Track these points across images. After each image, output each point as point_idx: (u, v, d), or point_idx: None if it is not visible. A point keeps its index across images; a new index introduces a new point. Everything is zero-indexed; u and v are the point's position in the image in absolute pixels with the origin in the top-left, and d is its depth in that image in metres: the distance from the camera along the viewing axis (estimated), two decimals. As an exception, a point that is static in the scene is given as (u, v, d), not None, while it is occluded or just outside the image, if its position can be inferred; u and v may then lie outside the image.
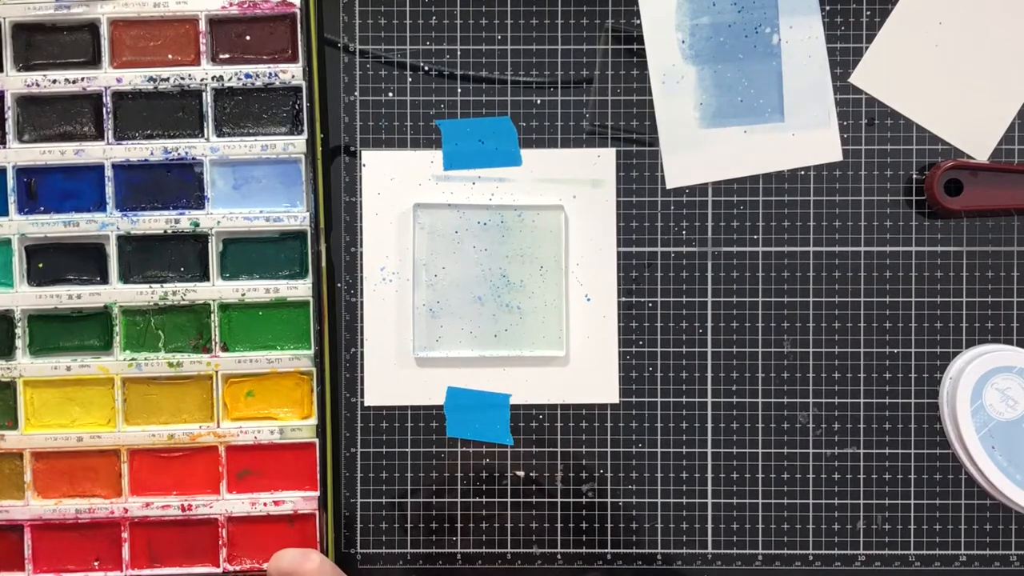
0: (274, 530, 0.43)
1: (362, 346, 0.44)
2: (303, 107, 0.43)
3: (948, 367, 0.43)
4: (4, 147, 0.43)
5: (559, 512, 0.44)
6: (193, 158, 0.43)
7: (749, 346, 0.44)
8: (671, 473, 0.44)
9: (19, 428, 0.43)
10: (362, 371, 0.44)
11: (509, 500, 0.44)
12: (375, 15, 0.44)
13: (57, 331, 0.43)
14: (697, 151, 0.44)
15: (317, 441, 0.43)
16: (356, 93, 0.44)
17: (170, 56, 0.43)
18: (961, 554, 0.43)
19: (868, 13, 0.44)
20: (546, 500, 0.44)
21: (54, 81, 0.42)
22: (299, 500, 0.43)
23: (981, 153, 0.44)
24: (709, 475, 0.44)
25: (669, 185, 0.44)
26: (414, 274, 0.43)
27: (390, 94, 0.44)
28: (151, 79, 0.42)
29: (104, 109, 0.43)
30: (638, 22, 0.44)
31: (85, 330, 0.43)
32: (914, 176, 0.44)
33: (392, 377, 0.44)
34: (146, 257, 0.43)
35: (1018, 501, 0.42)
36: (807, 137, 0.44)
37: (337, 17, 0.44)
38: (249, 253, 0.43)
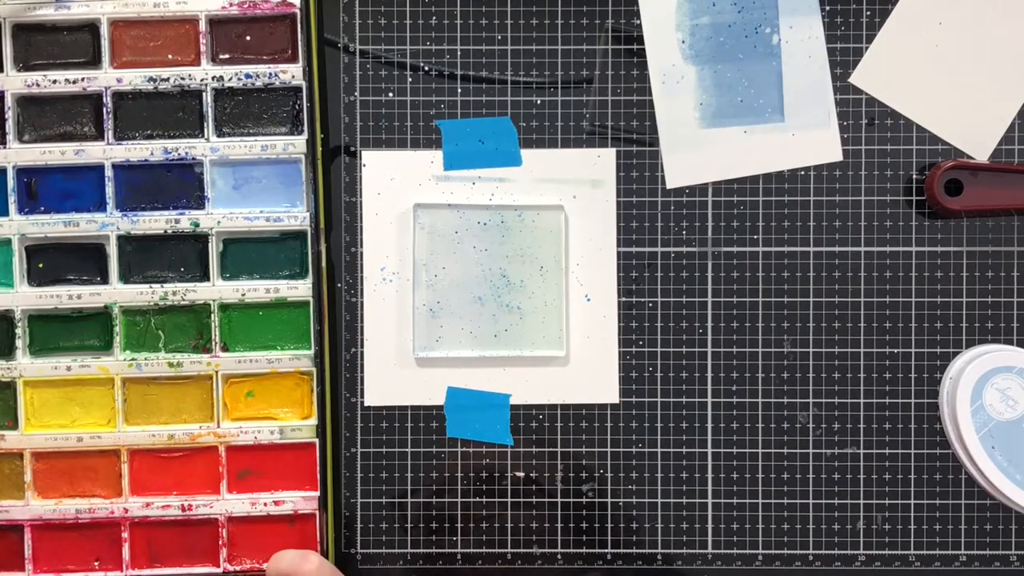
0: (274, 530, 0.43)
1: (362, 346, 0.44)
2: (303, 107, 0.43)
3: (948, 367, 0.43)
4: (4, 147, 0.43)
5: (559, 512, 0.44)
6: (193, 158, 0.43)
7: (749, 346, 0.44)
8: (671, 473, 0.44)
9: (19, 428, 0.43)
10: (362, 371, 0.44)
11: (509, 500, 0.44)
12: (375, 15, 0.44)
13: (57, 331, 0.43)
14: (697, 151, 0.44)
15: (317, 441, 0.43)
16: (356, 93, 0.44)
17: (170, 56, 0.43)
18: (961, 554, 0.43)
19: (868, 13, 0.44)
20: (546, 500, 0.44)
21: (54, 81, 0.42)
22: (299, 500, 0.43)
23: (981, 153, 0.44)
24: (709, 475, 0.44)
25: (669, 185, 0.44)
26: (414, 274, 0.43)
27: (390, 94, 0.44)
28: (151, 79, 0.42)
29: (104, 109, 0.43)
30: (638, 22, 0.44)
31: (85, 330, 0.43)
32: (914, 176, 0.44)
33: (392, 377, 0.44)
34: (146, 257, 0.43)
35: (1018, 501, 0.42)
36: (807, 137, 0.44)
37: (337, 17, 0.44)
38: (249, 253, 0.43)
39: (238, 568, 0.43)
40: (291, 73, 0.42)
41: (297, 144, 0.42)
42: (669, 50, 0.44)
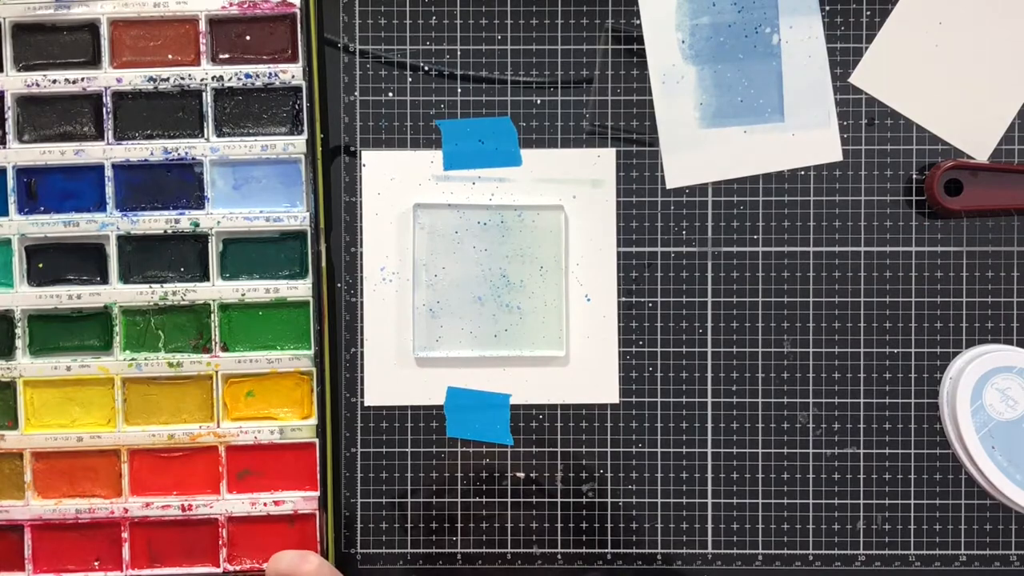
0: (274, 530, 0.43)
1: (362, 346, 0.44)
2: (303, 107, 0.43)
3: (948, 367, 0.43)
4: (4, 147, 0.43)
5: (559, 512, 0.44)
6: (193, 158, 0.43)
7: (749, 346, 0.44)
8: (671, 473, 0.44)
9: (19, 428, 0.43)
10: (362, 371, 0.44)
11: (509, 500, 0.44)
12: (375, 15, 0.44)
13: (57, 331, 0.43)
14: (697, 151, 0.44)
15: (317, 441, 0.43)
16: (356, 93, 0.44)
17: (170, 56, 0.43)
18: (961, 554, 0.43)
19: (868, 13, 0.44)
20: (546, 500, 0.44)
21: (54, 81, 0.42)
22: (299, 500, 0.43)
23: (981, 153, 0.44)
24: (709, 475, 0.44)
25: (669, 185, 0.44)
26: (414, 274, 0.43)
27: (390, 94, 0.44)
28: (151, 79, 0.42)
29: (104, 109, 0.43)
30: (638, 22, 0.44)
31: (85, 330, 0.43)
32: (914, 176, 0.44)
33: (392, 377, 0.44)
34: (146, 257, 0.43)
35: (1018, 501, 0.42)
36: (807, 137, 0.44)
37: (337, 17, 0.44)
38: (249, 253, 0.43)
39: (238, 568, 0.43)
40: (291, 73, 0.42)
41: (297, 144, 0.42)
42: (669, 50, 0.44)
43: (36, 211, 0.43)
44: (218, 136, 0.43)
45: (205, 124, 0.43)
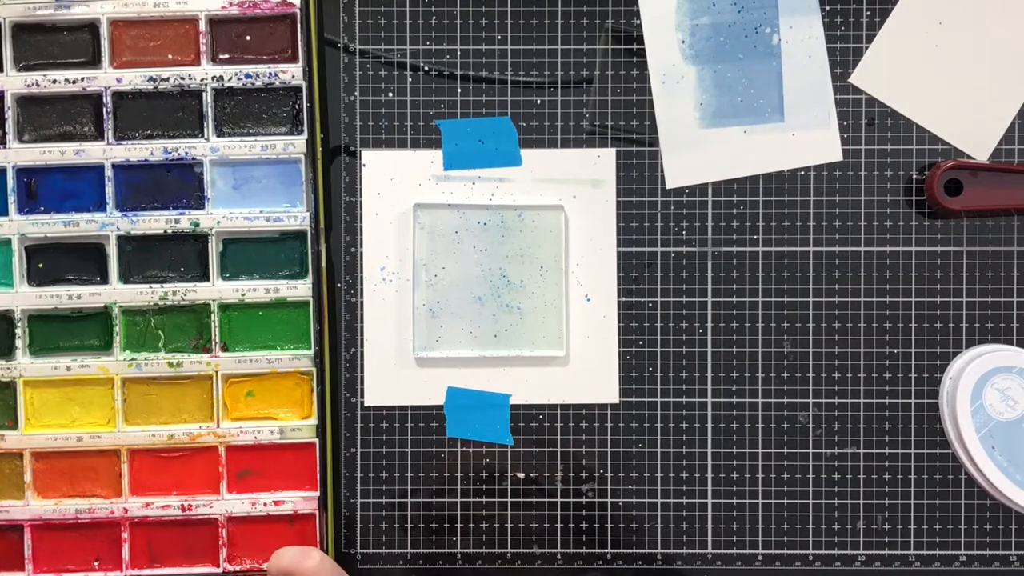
0: (274, 530, 0.43)
1: (362, 346, 0.44)
2: (303, 107, 0.43)
3: (948, 367, 0.43)
4: (4, 147, 0.43)
5: (559, 512, 0.44)
6: (193, 158, 0.43)
7: (749, 346, 0.44)
8: (671, 473, 0.44)
9: (19, 428, 0.43)
10: (362, 371, 0.44)
11: (509, 500, 0.44)
12: (375, 15, 0.44)
13: (57, 331, 0.43)
14: (697, 151, 0.44)
15: (317, 441, 0.43)
16: (356, 93, 0.44)
17: (170, 56, 0.43)
18: (961, 554, 0.43)
19: (868, 13, 0.44)
20: (546, 500, 0.44)
21: (54, 81, 0.42)
22: (299, 500, 0.43)
23: (981, 153, 0.44)
24: (709, 475, 0.44)
25: (669, 185, 0.44)
26: (414, 274, 0.43)
27: (390, 94, 0.44)
28: (151, 79, 0.42)
29: (104, 109, 0.43)
30: (638, 22, 0.44)
31: (85, 330, 0.43)
32: (914, 176, 0.44)
33: (392, 377, 0.44)
34: (146, 257, 0.43)
35: (1018, 501, 0.42)
36: (807, 137, 0.44)
37: (337, 17, 0.44)
38: (249, 253, 0.43)
39: (238, 568, 0.43)
40: (291, 73, 0.42)
41: (297, 144, 0.42)
42: (669, 50, 0.44)
43: (36, 211, 0.43)
44: (218, 136, 0.43)
45: (205, 124, 0.43)
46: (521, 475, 0.44)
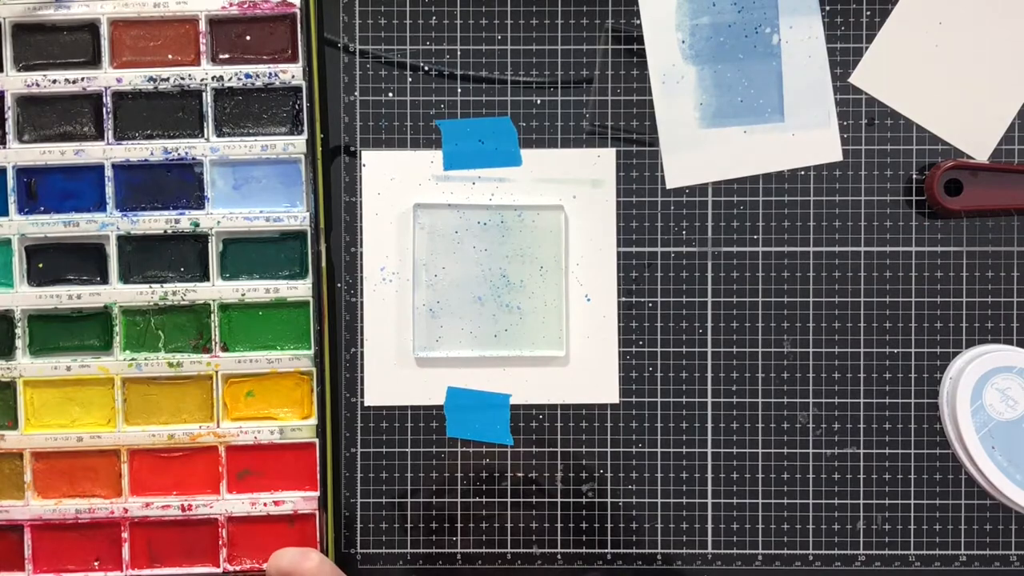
0: (274, 530, 0.43)
1: (362, 346, 0.44)
2: (303, 107, 0.43)
3: (948, 367, 0.43)
4: (4, 147, 0.43)
5: (559, 512, 0.44)
6: (193, 158, 0.43)
7: (749, 346, 0.44)
8: (671, 473, 0.44)
9: (19, 428, 0.43)
10: (362, 371, 0.44)
11: (509, 500, 0.44)
12: (375, 15, 0.44)
13: (57, 331, 0.43)
14: (697, 151, 0.44)
15: (317, 441, 0.43)
16: (356, 93, 0.44)
17: (170, 56, 0.43)
18: (961, 554, 0.43)
19: (868, 13, 0.44)
20: (546, 500, 0.44)
21: (54, 81, 0.42)
22: (299, 500, 0.43)
23: (981, 153, 0.44)
24: (709, 475, 0.44)
25: (669, 185, 0.44)
26: (414, 274, 0.43)
27: (390, 94, 0.44)
28: (151, 79, 0.42)
29: (104, 109, 0.43)
30: (638, 22, 0.44)
31: (85, 330, 0.43)
32: (914, 176, 0.44)
33: (392, 377, 0.44)
34: (146, 257, 0.43)
35: (1018, 501, 0.42)
36: (807, 137, 0.44)
37: (337, 17, 0.44)
38: (249, 253, 0.43)
39: (238, 568, 0.43)
40: (291, 73, 0.42)
41: (297, 144, 0.42)
42: (669, 50, 0.44)
43: (36, 211, 0.43)
44: (218, 136, 0.43)
45: (205, 124, 0.43)
46: (521, 475, 0.44)
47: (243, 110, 0.43)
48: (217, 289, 0.43)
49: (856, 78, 0.44)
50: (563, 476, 0.44)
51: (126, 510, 0.43)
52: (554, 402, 0.44)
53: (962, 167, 0.43)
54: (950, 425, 0.43)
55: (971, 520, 0.43)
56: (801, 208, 0.44)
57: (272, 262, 0.43)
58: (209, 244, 0.43)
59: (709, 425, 0.44)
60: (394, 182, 0.44)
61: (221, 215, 0.43)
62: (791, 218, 0.44)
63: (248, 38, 0.43)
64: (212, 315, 0.43)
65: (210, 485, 0.43)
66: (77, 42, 0.43)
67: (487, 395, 0.44)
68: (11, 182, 0.42)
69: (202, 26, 0.42)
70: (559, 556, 0.44)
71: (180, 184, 0.43)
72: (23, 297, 0.43)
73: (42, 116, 0.43)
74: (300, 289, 0.43)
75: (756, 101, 0.43)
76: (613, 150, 0.44)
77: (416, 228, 0.44)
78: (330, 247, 0.44)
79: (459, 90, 0.44)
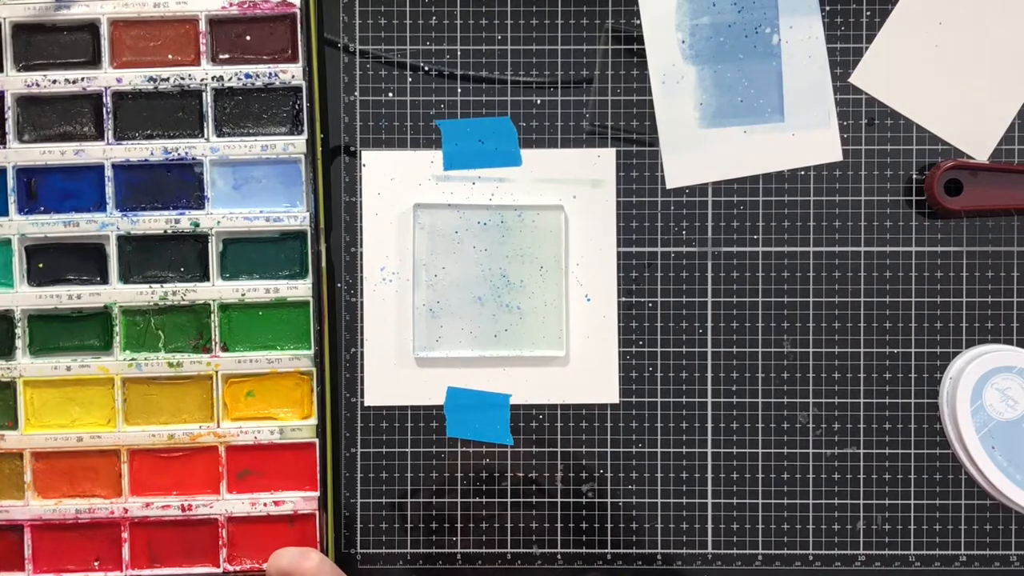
0: (274, 530, 0.43)
1: (362, 346, 0.44)
2: (303, 107, 0.43)
3: (948, 367, 0.43)
4: (4, 147, 0.43)
5: (559, 512, 0.44)
6: (193, 158, 0.43)
7: (749, 346, 0.44)
8: (671, 473, 0.44)
9: (19, 428, 0.43)
10: (362, 371, 0.44)
11: (509, 500, 0.44)
12: (375, 15, 0.44)
13: (57, 331, 0.43)
14: (697, 151, 0.44)
15: (317, 441, 0.43)
16: (356, 93, 0.44)
17: (170, 56, 0.43)
18: (961, 554, 0.43)
19: (868, 13, 0.44)
20: (546, 500, 0.44)
21: (54, 81, 0.42)
22: (299, 500, 0.43)
23: (981, 153, 0.44)
24: (709, 475, 0.44)
25: (669, 185, 0.44)
26: (414, 274, 0.43)
27: (390, 94, 0.44)
28: (151, 79, 0.42)
29: (104, 109, 0.43)
30: (638, 22, 0.44)
31: (85, 330, 0.43)
32: (914, 176, 0.44)
33: (392, 377, 0.44)
34: (146, 257, 0.43)
35: (1018, 501, 0.42)
36: (807, 137, 0.44)
37: (337, 17, 0.44)
38: (249, 253, 0.43)
39: (238, 568, 0.43)
40: (291, 73, 0.42)
41: (297, 144, 0.42)
42: (669, 50, 0.44)
43: (36, 211, 0.43)
44: (218, 136, 0.43)
45: (205, 124, 0.43)
46: (521, 475, 0.44)
47: (243, 110, 0.43)
48: (217, 289, 0.43)
49: (856, 78, 0.44)
50: (563, 476, 0.44)
51: (126, 510, 0.43)
52: (554, 402, 0.44)
53: (962, 167, 0.43)
54: (950, 425, 0.43)
55: (971, 520, 0.43)
56: (801, 208, 0.44)
57: (272, 262, 0.43)
58: (209, 244, 0.43)
59: (709, 425, 0.44)
60: (394, 182, 0.44)
61: (221, 215, 0.43)
62: (791, 218, 0.44)
63: (248, 38, 0.43)
64: (212, 315, 0.43)
65: (210, 485, 0.43)
66: (77, 42, 0.43)
67: (487, 395, 0.44)
68: (11, 182, 0.42)
69: (202, 26, 0.42)
70: (559, 556, 0.44)
71: (180, 184, 0.43)
72: (23, 297, 0.43)
73: (42, 116, 0.43)
74: (300, 289, 0.43)
75: (756, 101, 0.43)
76: (613, 150, 0.44)
77: (416, 228, 0.44)
78: (330, 247, 0.44)
79: (459, 90, 0.44)
